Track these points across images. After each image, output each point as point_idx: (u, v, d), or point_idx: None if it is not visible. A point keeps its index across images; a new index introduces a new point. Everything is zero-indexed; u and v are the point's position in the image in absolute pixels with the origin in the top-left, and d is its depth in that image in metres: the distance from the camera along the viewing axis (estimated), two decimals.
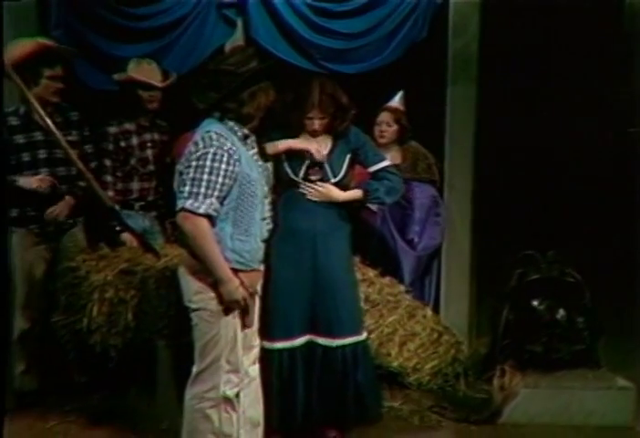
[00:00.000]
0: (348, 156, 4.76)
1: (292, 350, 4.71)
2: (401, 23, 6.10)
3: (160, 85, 5.61)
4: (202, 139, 3.85)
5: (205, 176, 3.76)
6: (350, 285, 4.90)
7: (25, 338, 5.53)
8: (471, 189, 6.28)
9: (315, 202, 4.67)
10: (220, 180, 3.79)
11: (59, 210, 5.34)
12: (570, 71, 6.97)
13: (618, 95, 6.16)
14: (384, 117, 6.05)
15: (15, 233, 5.42)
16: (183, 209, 3.79)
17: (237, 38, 6.11)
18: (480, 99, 6.17)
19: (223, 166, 3.79)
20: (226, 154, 3.80)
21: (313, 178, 4.67)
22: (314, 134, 4.70)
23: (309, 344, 4.78)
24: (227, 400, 4.01)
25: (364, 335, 4.92)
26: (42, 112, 5.12)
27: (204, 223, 3.79)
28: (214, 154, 3.78)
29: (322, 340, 4.75)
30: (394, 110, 6.04)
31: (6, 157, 5.24)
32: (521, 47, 6.79)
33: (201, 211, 3.74)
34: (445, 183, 6.28)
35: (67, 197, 5.37)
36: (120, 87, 5.71)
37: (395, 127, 6.04)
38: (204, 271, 3.91)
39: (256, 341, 4.32)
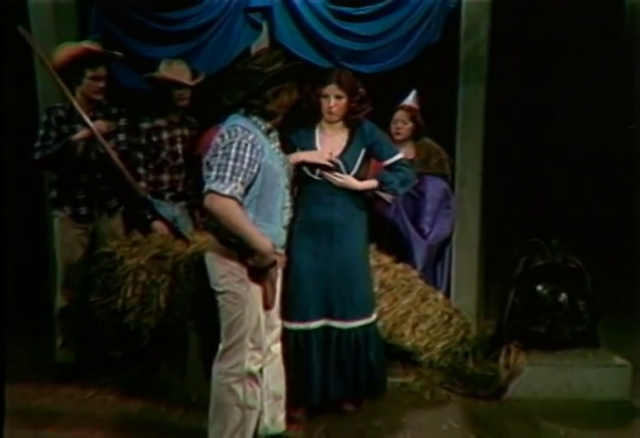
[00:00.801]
0: (363, 151, 4.85)
1: (307, 332, 4.86)
2: (416, 26, 6.19)
3: (190, 83, 5.74)
4: (228, 131, 3.99)
5: (231, 162, 3.89)
6: (364, 272, 5.04)
7: (63, 316, 5.69)
8: (481, 182, 6.31)
9: (333, 195, 4.78)
10: (244, 166, 3.91)
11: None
12: (573, 71, 7.09)
13: (619, 93, 6.26)
14: (399, 115, 6.16)
15: (56, 217, 5.60)
16: (210, 190, 3.89)
17: (262, 40, 6.20)
18: (490, 97, 6.21)
19: (247, 154, 3.92)
20: (250, 144, 3.94)
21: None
22: (330, 118, 4.78)
23: (325, 328, 4.91)
24: (251, 375, 4.19)
25: (373, 317, 5.07)
26: (80, 109, 5.31)
27: (231, 202, 3.88)
28: (239, 143, 3.92)
29: (336, 324, 4.89)
30: (409, 109, 6.14)
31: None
32: (527, 49, 6.85)
33: (227, 192, 3.85)
34: (456, 177, 6.34)
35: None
36: (153, 85, 5.85)
37: (410, 124, 6.14)
38: (230, 255, 4.06)
39: (278, 321, 4.49)
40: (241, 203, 3.96)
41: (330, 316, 4.91)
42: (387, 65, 6.30)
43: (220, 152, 3.95)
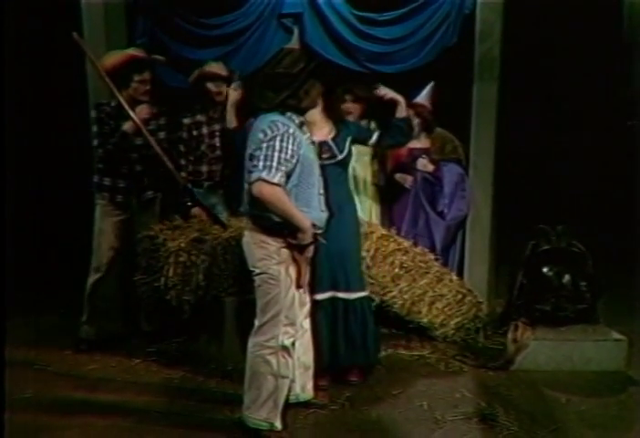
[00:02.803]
0: (349, 139, 5.09)
1: (315, 303, 4.91)
2: (435, 30, 6.26)
3: (224, 74, 5.91)
4: (269, 127, 4.10)
5: (276, 153, 4.02)
6: (357, 250, 5.20)
7: (89, 295, 5.86)
8: (493, 173, 6.31)
9: (327, 183, 4.77)
10: (287, 157, 4.05)
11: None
12: (577, 71, 7.19)
13: (619, 92, 6.33)
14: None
15: (97, 205, 5.76)
16: (260, 179, 3.99)
17: (293, 44, 6.26)
18: (502, 94, 6.20)
19: (290, 146, 4.06)
20: (291, 137, 4.08)
21: (324, 156, 4.96)
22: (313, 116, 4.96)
23: (332, 299, 5.05)
24: (284, 348, 4.31)
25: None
26: (127, 107, 5.46)
27: (278, 189, 4.02)
28: (282, 136, 4.05)
29: (342, 295, 5.04)
30: (414, 106, 6.15)
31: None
32: (536, 51, 6.93)
33: (275, 180, 3.99)
34: (470, 168, 6.35)
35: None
36: (194, 85, 6.00)
37: (416, 120, 6.14)
38: (267, 241, 4.21)
39: (308, 298, 4.63)
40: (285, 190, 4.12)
41: (336, 288, 5.04)
42: (407, 65, 6.36)
43: (264, 145, 4.06)
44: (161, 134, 5.85)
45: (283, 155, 4.05)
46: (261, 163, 4.04)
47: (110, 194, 5.75)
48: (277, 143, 4.06)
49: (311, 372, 4.83)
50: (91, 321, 5.91)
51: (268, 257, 4.25)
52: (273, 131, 4.09)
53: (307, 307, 4.66)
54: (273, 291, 4.27)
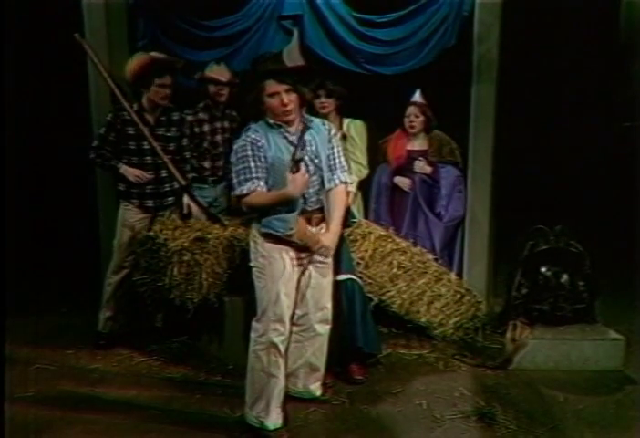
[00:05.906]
0: None
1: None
2: (433, 32, 6.26)
3: (223, 80, 5.97)
4: None
5: None
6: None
7: (114, 291, 5.90)
8: (491, 174, 6.28)
9: None
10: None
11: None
12: (574, 72, 7.24)
13: (617, 92, 6.34)
14: (411, 110, 6.27)
15: (121, 204, 5.78)
16: None
17: (293, 45, 6.18)
18: (500, 95, 6.18)
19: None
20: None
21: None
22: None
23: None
24: (274, 345, 4.34)
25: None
26: (132, 111, 5.55)
27: None
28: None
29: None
30: (419, 104, 6.23)
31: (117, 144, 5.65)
32: (534, 52, 6.99)
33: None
34: (468, 169, 6.31)
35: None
36: (198, 84, 6.07)
37: (421, 118, 6.24)
38: (255, 235, 4.34)
39: (328, 304, 4.65)
40: None
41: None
42: (406, 67, 6.37)
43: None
44: (184, 141, 5.96)
45: None
46: None
47: (140, 201, 5.79)
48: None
49: (319, 374, 4.89)
50: (116, 317, 5.96)
51: (255, 250, 4.37)
52: None
53: (325, 312, 4.68)
54: (260, 284, 4.37)
